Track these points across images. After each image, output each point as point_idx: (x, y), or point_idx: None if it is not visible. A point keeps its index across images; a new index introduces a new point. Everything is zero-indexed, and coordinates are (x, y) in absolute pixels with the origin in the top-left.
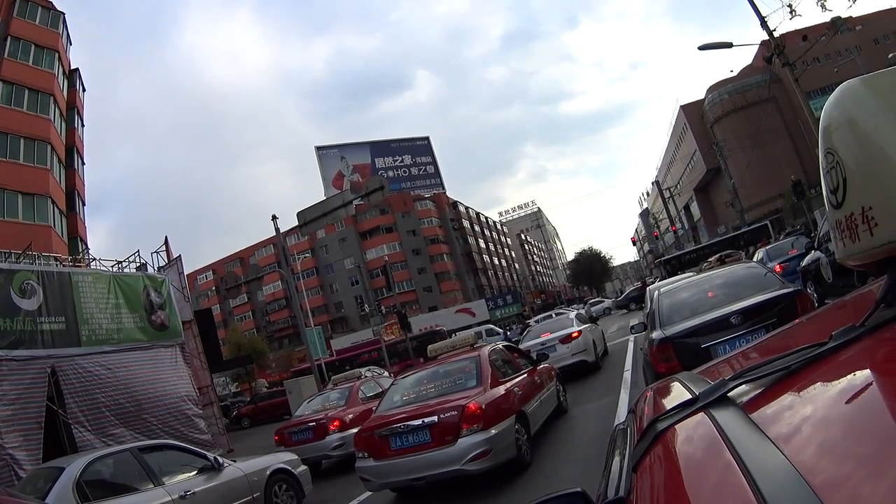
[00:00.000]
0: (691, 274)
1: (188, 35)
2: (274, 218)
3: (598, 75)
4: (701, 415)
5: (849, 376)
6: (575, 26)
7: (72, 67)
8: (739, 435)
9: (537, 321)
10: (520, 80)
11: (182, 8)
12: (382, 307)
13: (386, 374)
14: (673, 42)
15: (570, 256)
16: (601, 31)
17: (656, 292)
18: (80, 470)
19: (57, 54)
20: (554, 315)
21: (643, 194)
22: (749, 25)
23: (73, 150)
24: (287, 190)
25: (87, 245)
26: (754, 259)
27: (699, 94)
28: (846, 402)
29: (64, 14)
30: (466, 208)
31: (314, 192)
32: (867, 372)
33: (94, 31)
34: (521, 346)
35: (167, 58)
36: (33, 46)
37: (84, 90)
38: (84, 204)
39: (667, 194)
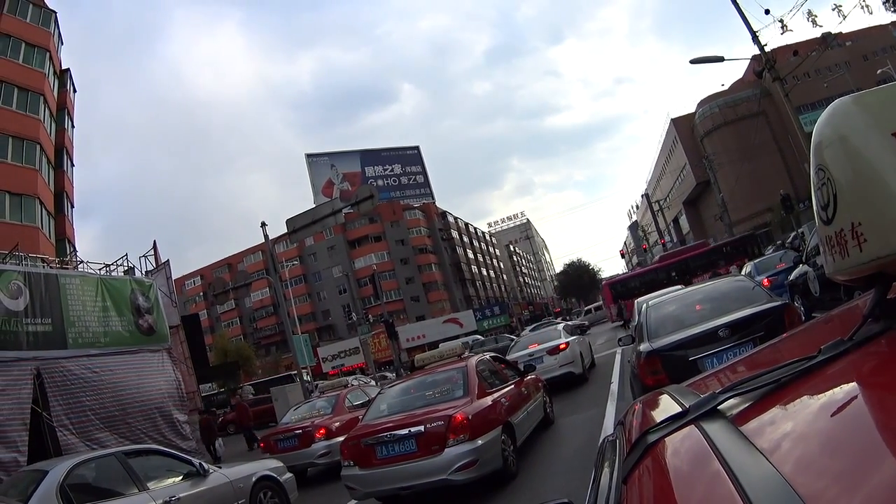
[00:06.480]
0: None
1: (175, 46)
2: (263, 225)
3: (584, 90)
4: (691, 427)
5: (837, 389)
6: (559, 42)
7: (63, 67)
8: (729, 447)
9: (533, 329)
10: (505, 94)
11: (169, 20)
12: (370, 316)
13: (373, 382)
14: (658, 58)
15: (558, 268)
16: (586, 47)
17: (644, 305)
18: (64, 474)
19: (48, 53)
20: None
21: (632, 207)
22: (734, 44)
23: (62, 152)
24: (274, 198)
25: (74, 247)
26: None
27: (685, 110)
28: (835, 415)
29: (56, 13)
30: (455, 218)
31: (301, 201)
32: (855, 385)
33: (82, 37)
34: (509, 357)
35: (154, 66)
36: (24, 44)
37: (75, 91)
38: (73, 206)
39: (656, 207)
